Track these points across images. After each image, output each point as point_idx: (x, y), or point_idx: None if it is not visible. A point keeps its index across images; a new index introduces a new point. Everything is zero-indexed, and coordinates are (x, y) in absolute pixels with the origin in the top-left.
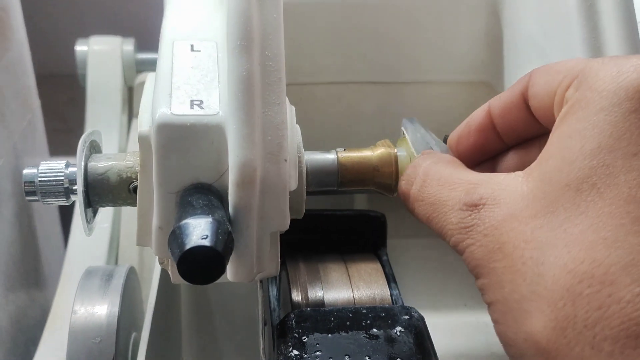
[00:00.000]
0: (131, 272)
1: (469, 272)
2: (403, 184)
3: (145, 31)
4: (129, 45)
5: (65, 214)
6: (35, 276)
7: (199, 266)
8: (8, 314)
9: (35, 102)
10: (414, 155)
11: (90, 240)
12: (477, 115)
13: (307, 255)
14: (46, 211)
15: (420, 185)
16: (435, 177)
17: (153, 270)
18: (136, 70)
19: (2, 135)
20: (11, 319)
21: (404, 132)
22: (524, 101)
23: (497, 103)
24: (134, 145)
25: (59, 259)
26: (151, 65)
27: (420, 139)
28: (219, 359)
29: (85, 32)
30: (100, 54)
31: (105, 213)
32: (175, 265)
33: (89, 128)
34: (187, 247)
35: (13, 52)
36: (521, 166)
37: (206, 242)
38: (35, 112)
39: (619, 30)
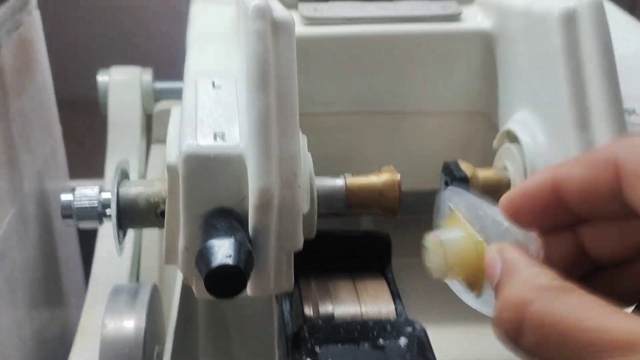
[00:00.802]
0: (154, 289)
1: None
2: (502, 333)
3: (161, 61)
4: (147, 75)
5: (83, 236)
6: (56, 295)
7: (224, 282)
8: (32, 329)
9: (57, 129)
10: (481, 245)
11: (113, 260)
12: (537, 190)
13: (318, 273)
14: (66, 233)
15: (535, 342)
16: (556, 330)
17: (173, 288)
18: (154, 99)
19: (28, 161)
20: (34, 335)
21: (452, 207)
22: (613, 191)
23: (573, 187)
24: (152, 169)
25: (77, 279)
26: (168, 94)
27: (481, 216)
28: None
29: (102, 62)
30: (120, 84)
31: (127, 234)
32: (200, 281)
33: (110, 153)
34: (214, 265)
35: (38, 83)
36: (621, 243)
37: (230, 261)
38: (56, 139)
39: (598, 69)
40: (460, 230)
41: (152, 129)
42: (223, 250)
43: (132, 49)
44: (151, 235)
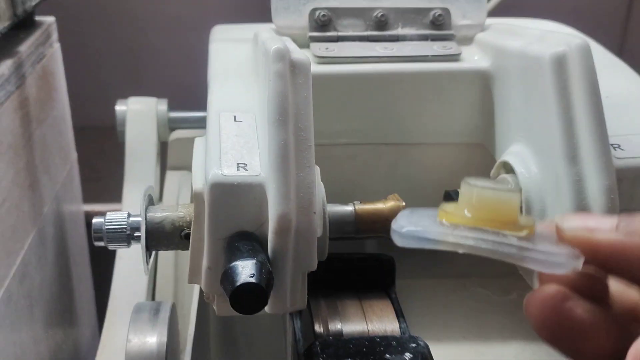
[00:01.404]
0: (173, 308)
1: (467, 309)
2: None
3: (171, 92)
4: (162, 105)
5: (94, 259)
6: (70, 315)
7: (248, 299)
8: (48, 348)
9: (73, 155)
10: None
11: (132, 279)
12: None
13: (327, 293)
14: (79, 256)
15: None
16: None
17: (189, 307)
18: (169, 128)
19: (47, 185)
20: (50, 353)
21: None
22: None
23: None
24: (167, 194)
25: (89, 300)
26: (182, 123)
27: None
28: None
29: (115, 90)
30: (137, 113)
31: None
32: (221, 299)
33: (127, 179)
34: (238, 283)
35: (57, 111)
36: None
37: (253, 280)
38: (73, 164)
39: (586, 107)
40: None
41: (167, 156)
42: (246, 271)
43: (144, 80)
44: (166, 258)
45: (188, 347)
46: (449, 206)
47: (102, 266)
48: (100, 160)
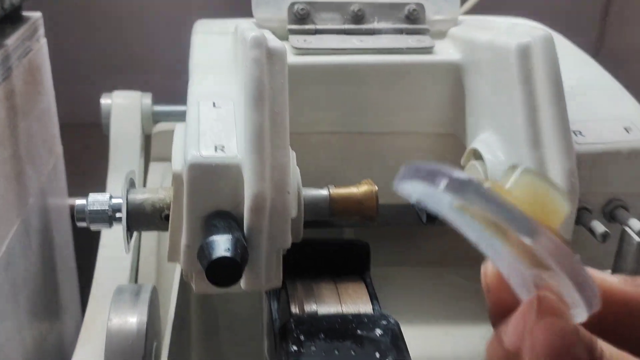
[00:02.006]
0: (154, 290)
1: (439, 295)
2: None
3: (155, 87)
4: (147, 99)
5: (78, 251)
6: (54, 305)
7: (223, 272)
8: (32, 337)
9: (59, 149)
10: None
11: (114, 264)
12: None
13: (304, 278)
14: (64, 248)
15: None
16: None
17: (168, 290)
18: (153, 121)
19: (33, 178)
20: (34, 342)
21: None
22: None
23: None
24: (151, 185)
25: (73, 292)
26: (166, 116)
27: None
28: None
29: (101, 86)
30: (122, 107)
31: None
32: (199, 276)
33: (111, 170)
34: (214, 257)
35: (43, 105)
36: None
37: (228, 254)
38: (58, 157)
39: (549, 95)
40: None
41: (150, 148)
42: (222, 245)
43: (128, 77)
44: (148, 242)
45: (168, 329)
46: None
47: (86, 262)
48: (85, 156)
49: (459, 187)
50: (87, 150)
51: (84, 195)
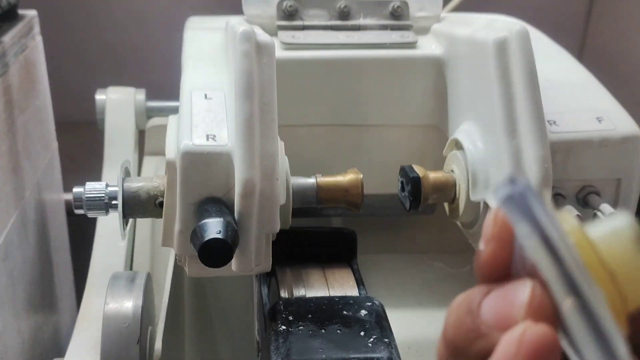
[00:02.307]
0: (148, 277)
1: (424, 280)
2: None
3: (149, 84)
4: (140, 95)
5: (73, 246)
6: (50, 299)
7: (215, 253)
8: (29, 328)
9: (54, 144)
10: None
11: (110, 253)
12: None
13: (293, 264)
14: (60, 242)
15: None
16: None
17: (161, 277)
18: (146, 116)
19: (29, 171)
20: (31, 333)
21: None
22: None
23: None
24: None
25: (68, 285)
26: (159, 112)
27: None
28: (215, 345)
29: (96, 84)
30: (116, 102)
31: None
32: (192, 260)
33: (106, 164)
34: (206, 239)
35: (39, 101)
36: None
37: (220, 236)
38: (53, 153)
39: (524, 87)
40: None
41: (144, 143)
42: (213, 228)
43: (123, 74)
44: (143, 231)
45: (162, 313)
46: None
47: (79, 256)
48: (80, 153)
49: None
50: (83, 148)
51: None
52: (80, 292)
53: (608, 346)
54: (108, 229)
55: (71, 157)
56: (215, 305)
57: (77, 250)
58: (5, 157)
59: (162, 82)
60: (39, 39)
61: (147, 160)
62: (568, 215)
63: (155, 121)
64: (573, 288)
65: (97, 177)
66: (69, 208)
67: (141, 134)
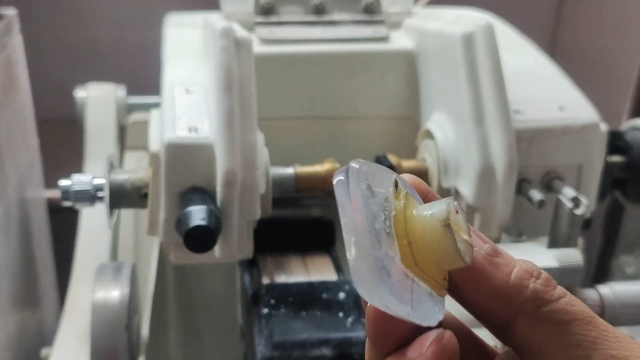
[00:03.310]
0: (133, 267)
1: None
2: None
3: (127, 81)
4: (121, 91)
5: (55, 243)
6: (34, 295)
7: (199, 239)
8: (14, 322)
9: (35, 142)
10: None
11: (94, 245)
12: None
13: (274, 252)
14: (42, 239)
15: None
16: None
17: (147, 268)
18: (127, 112)
19: (12, 169)
20: (17, 328)
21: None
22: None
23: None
24: None
25: (51, 282)
26: (139, 108)
27: None
28: (198, 331)
29: (75, 81)
30: (97, 99)
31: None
32: (177, 248)
33: (88, 160)
34: (191, 225)
35: (20, 98)
36: None
37: (204, 222)
38: (34, 150)
39: (490, 78)
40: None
41: (125, 138)
42: (197, 215)
43: (101, 71)
44: (126, 223)
45: (148, 302)
46: (400, 206)
47: (60, 252)
48: (61, 150)
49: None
50: (63, 145)
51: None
52: (62, 288)
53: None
54: (91, 222)
55: (51, 155)
56: (198, 294)
57: (56, 246)
58: None
59: (140, 77)
60: (19, 39)
61: (129, 155)
62: (405, 196)
63: (136, 117)
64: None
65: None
66: (51, 205)
67: (121, 130)
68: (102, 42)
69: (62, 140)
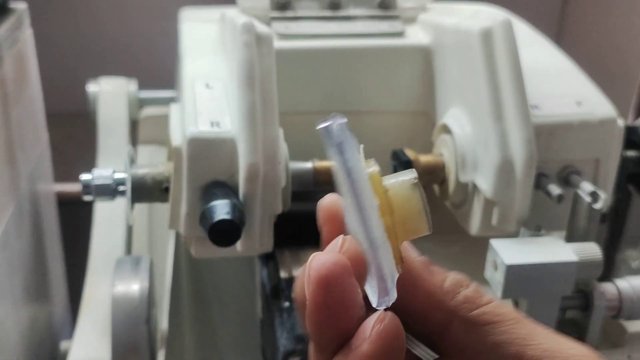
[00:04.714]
0: (151, 261)
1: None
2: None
3: (136, 76)
4: (133, 85)
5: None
6: (44, 289)
7: (224, 233)
8: (26, 315)
9: (45, 136)
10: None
11: (109, 240)
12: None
13: (291, 246)
14: (52, 233)
15: None
16: None
17: (160, 262)
18: (139, 106)
19: (23, 163)
20: (29, 321)
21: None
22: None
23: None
24: None
25: (61, 278)
26: (151, 102)
27: None
28: (212, 324)
29: (85, 76)
30: (109, 93)
31: (121, 217)
32: (199, 241)
33: (101, 154)
34: (216, 219)
35: (31, 93)
36: None
37: (228, 216)
38: (44, 144)
39: (509, 73)
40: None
41: (137, 132)
42: (222, 209)
43: (110, 66)
44: (140, 218)
45: (166, 295)
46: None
47: (73, 250)
48: (69, 144)
49: (337, 138)
50: (71, 139)
51: (70, 182)
52: (70, 282)
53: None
54: (105, 217)
55: (60, 149)
56: (212, 287)
57: (68, 242)
58: (2, 148)
59: (151, 72)
60: (29, 32)
61: (141, 150)
62: (371, 163)
63: (148, 111)
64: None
65: (86, 169)
66: (60, 199)
67: (133, 124)
68: (112, 36)
69: (69, 134)
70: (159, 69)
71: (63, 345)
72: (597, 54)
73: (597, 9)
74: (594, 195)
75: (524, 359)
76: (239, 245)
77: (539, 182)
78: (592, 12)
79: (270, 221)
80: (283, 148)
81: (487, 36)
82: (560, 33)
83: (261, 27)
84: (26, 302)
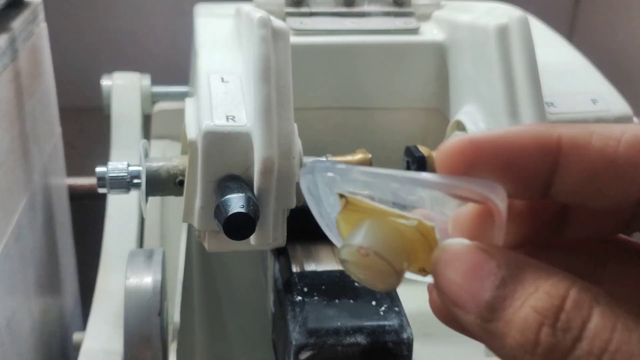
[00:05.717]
0: (163, 254)
1: None
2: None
3: (150, 72)
4: (146, 80)
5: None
6: (56, 282)
7: (238, 226)
8: (38, 308)
9: (58, 130)
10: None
11: (121, 233)
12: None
13: (303, 241)
14: (64, 226)
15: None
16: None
17: (173, 255)
18: (152, 102)
19: (36, 156)
20: (40, 313)
21: (345, 194)
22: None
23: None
24: None
25: (72, 271)
26: (164, 97)
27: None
28: (223, 319)
29: (96, 71)
30: (122, 88)
31: (134, 210)
32: (212, 236)
33: (114, 149)
34: (231, 213)
35: (44, 86)
36: None
37: (243, 210)
38: (57, 138)
39: (524, 70)
40: (370, 218)
41: (150, 128)
42: (237, 202)
43: (124, 61)
44: (152, 211)
45: (178, 289)
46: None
47: (85, 244)
48: (81, 139)
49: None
50: (83, 134)
51: (82, 176)
52: (81, 275)
53: None
54: (118, 210)
55: (71, 143)
56: (222, 281)
57: (80, 236)
58: (17, 141)
59: (164, 68)
60: (43, 26)
61: (154, 143)
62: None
63: (161, 105)
64: None
65: (97, 163)
66: (72, 192)
67: (146, 119)
68: (124, 31)
69: (80, 128)
70: (172, 65)
71: (76, 336)
72: (609, 53)
73: (609, 7)
74: None
75: None
76: (252, 239)
77: None
78: (604, 11)
79: (284, 215)
80: (298, 143)
81: (503, 32)
82: (572, 31)
83: (277, 22)
84: (38, 294)
